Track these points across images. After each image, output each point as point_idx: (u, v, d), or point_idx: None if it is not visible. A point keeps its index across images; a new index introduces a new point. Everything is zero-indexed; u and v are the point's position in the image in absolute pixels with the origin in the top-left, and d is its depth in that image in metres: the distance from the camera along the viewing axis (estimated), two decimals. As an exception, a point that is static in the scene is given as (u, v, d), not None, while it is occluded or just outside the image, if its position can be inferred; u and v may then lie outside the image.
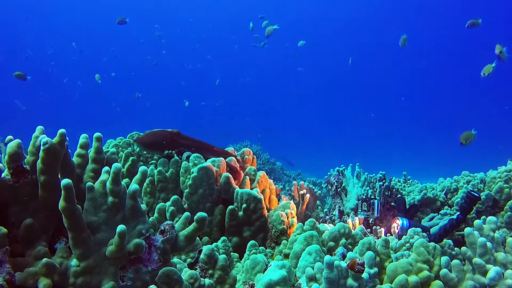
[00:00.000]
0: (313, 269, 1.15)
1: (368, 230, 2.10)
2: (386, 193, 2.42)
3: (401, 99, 27.30)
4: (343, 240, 1.52)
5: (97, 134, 1.20)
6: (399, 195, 2.49)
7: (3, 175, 0.97)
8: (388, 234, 2.07)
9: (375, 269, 1.23)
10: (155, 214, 1.78)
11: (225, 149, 2.19)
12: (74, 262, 0.91)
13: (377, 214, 2.27)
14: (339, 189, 2.54)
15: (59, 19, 25.44)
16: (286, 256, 1.58)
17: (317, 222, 1.71)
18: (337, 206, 2.50)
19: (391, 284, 1.22)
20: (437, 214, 2.39)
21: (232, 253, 1.63)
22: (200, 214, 1.04)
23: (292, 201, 2.00)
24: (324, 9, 27.71)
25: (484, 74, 3.01)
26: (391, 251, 1.42)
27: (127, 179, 2.04)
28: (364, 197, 2.39)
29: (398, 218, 2.09)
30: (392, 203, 2.43)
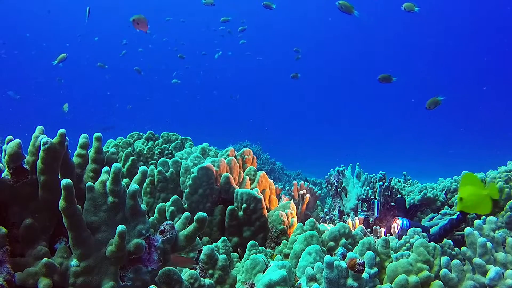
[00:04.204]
0: (313, 269, 1.15)
1: (368, 230, 2.10)
2: (386, 193, 2.42)
3: (401, 99, 27.29)
4: (343, 240, 1.52)
5: (97, 134, 1.20)
6: (399, 195, 2.49)
7: (3, 175, 0.97)
8: (388, 234, 2.07)
9: (375, 269, 1.23)
10: (155, 214, 1.78)
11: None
12: (74, 262, 0.91)
13: (377, 214, 2.27)
14: (339, 189, 2.54)
15: (59, 18, 25.46)
16: (286, 256, 1.58)
17: (317, 222, 1.70)
18: (337, 206, 2.50)
19: (391, 284, 1.22)
20: (437, 214, 2.39)
21: (232, 253, 1.63)
22: (200, 214, 1.04)
23: (292, 201, 2.00)
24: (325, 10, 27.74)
25: (429, 107, 2.82)
26: (391, 251, 1.42)
27: (127, 179, 2.04)
28: (364, 197, 2.38)
29: (398, 218, 2.09)
30: (392, 203, 2.43)
